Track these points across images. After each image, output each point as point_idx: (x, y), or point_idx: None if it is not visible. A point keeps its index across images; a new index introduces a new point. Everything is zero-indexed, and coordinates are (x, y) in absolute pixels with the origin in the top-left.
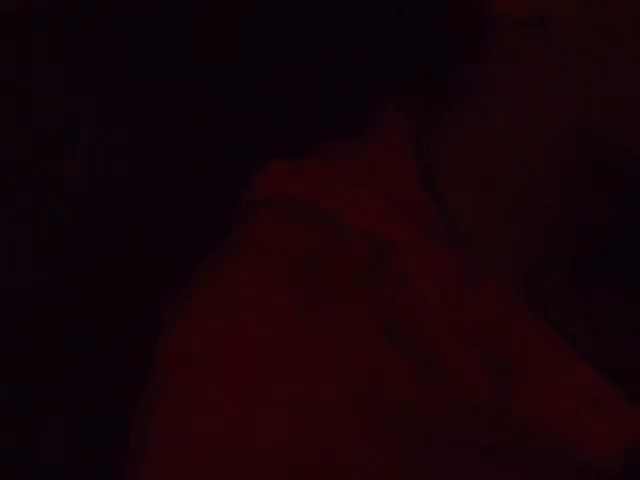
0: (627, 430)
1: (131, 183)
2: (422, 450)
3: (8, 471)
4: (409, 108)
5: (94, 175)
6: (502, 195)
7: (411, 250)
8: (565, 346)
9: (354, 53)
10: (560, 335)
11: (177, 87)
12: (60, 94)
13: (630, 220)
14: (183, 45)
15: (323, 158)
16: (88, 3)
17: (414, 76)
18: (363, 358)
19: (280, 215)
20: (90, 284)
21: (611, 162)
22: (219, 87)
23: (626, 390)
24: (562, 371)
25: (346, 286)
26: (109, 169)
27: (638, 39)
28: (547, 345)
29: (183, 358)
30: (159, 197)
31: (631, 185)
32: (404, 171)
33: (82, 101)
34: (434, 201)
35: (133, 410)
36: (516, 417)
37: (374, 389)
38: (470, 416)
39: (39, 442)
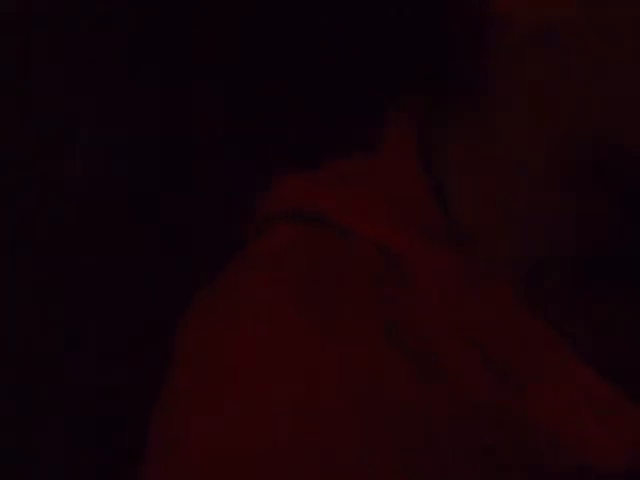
0: (627, 430)
1: (132, 185)
2: (422, 450)
3: (8, 471)
4: (409, 108)
5: (94, 175)
6: (502, 195)
7: (413, 252)
8: (565, 346)
9: (354, 54)
10: (560, 335)
11: (177, 87)
12: (60, 94)
13: (630, 220)
14: (183, 45)
15: (335, 170)
16: (88, 3)
17: (414, 76)
18: (363, 358)
19: (295, 229)
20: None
21: (611, 162)
22: (220, 94)
23: (626, 390)
24: (562, 371)
25: (347, 287)
26: (109, 169)
27: (638, 39)
28: (547, 345)
29: (184, 359)
30: (164, 200)
31: (631, 185)
32: (405, 172)
33: (82, 101)
34: (435, 201)
35: (139, 410)
36: (516, 417)
37: (374, 389)
38: (470, 416)
39: (39, 442)
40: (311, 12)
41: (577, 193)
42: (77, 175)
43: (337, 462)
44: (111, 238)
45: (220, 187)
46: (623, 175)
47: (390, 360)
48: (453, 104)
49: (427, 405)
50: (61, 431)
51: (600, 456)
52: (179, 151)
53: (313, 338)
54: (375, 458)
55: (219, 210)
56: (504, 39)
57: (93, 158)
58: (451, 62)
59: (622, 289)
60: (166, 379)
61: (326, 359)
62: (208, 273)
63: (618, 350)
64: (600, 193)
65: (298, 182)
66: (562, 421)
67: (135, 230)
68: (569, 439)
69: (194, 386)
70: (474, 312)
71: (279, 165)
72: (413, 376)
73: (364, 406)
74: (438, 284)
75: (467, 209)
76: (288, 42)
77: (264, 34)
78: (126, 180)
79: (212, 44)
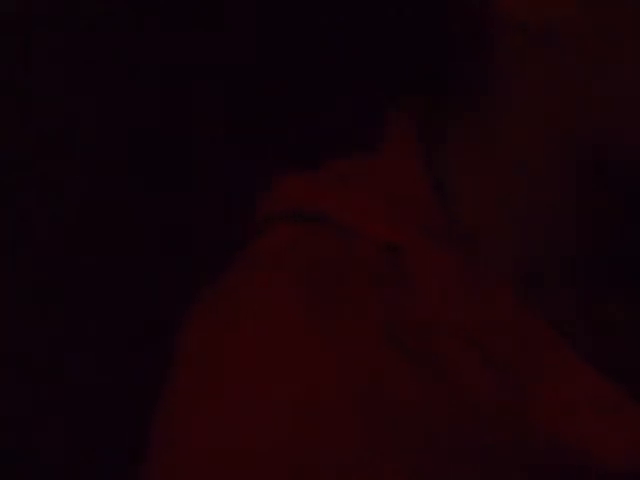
0: (628, 430)
1: (131, 185)
2: (422, 450)
3: (8, 471)
4: (409, 108)
5: (94, 175)
6: (502, 195)
7: (413, 251)
8: (565, 346)
9: (354, 54)
10: (560, 335)
11: (177, 87)
12: (60, 94)
13: (630, 220)
14: (183, 45)
15: (335, 170)
16: (88, 3)
17: (414, 76)
18: (363, 358)
19: (296, 229)
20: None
21: (611, 162)
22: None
23: (626, 390)
24: (562, 371)
25: (348, 287)
26: (109, 169)
27: (638, 39)
28: (547, 345)
29: (185, 359)
30: (164, 200)
31: (631, 185)
32: (406, 171)
33: (82, 101)
34: (435, 200)
35: (139, 410)
36: (516, 417)
37: (374, 389)
38: (470, 416)
39: (39, 442)
40: (311, 12)
41: (577, 193)
42: (77, 175)
43: (337, 462)
44: (111, 238)
45: (220, 187)
46: (623, 175)
47: (390, 360)
48: (453, 104)
49: (427, 405)
50: (61, 431)
51: (601, 456)
52: (179, 151)
53: (313, 338)
54: (375, 458)
55: (219, 210)
56: (504, 40)
57: (92, 158)
58: (451, 62)
59: (622, 289)
60: (167, 379)
61: (326, 359)
62: (208, 273)
63: (618, 350)
64: (600, 193)
65: (298, 182)
66: (563, 421)
67: (135, 230)
68: (570, 439)
69: (195, 386)
70: (474, 312)
71: (279, 165)
72: (413, 376)
73: (364, 406)
74: (438, 284)
75: (467, 209)
76: (288, 42)
77: (265, 34)
78: (126, 180)
79: (212, 44)
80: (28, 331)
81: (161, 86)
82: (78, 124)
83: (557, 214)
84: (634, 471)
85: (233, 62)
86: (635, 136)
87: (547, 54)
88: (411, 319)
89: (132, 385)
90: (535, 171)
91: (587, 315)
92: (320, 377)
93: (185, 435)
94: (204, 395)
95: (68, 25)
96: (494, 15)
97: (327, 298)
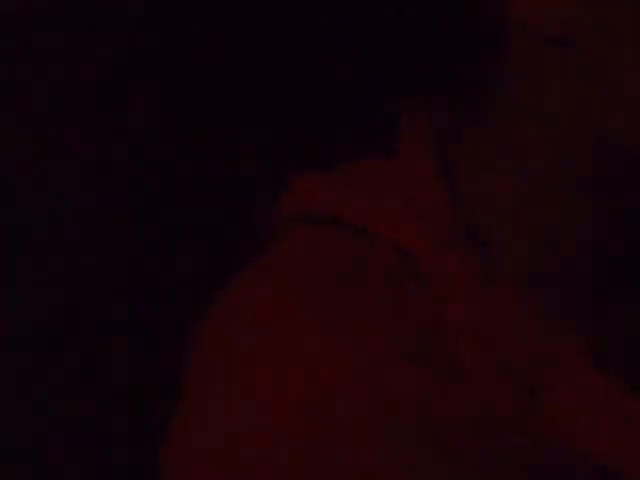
0: (636, 431)
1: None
2: (436, 452)
3: (8, 471)
4: (425, 109)
5: (95, 176)
6: (509, 195)
7: (428, 252)
8: (580, 351)
9: (369, 56)
10: (570, 337)
11: (179, 88)
12: (60, 94)
13: (631, 220)
14: (185, 45)
15: (350, 172)
16: (88, 3)
17: (431, 77)
18: (378, 359)
19: (311, 231)
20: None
21: (611, 162)
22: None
23: (631, 390)
24: (577, 375)
25: (363, 288)
26: (115, 170)
27: (638, 39)
28: (561, 349)
29: (199, 360)
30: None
31: (631, 185)
32: (421, 173)
33: (82, 101)
34: (451, 202)
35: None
36: (527, 419)
37: (388, 390)
38: (484, 418)
39: (40, 442)
40: (323, 15)
41: (577, 193)
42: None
43: (353, 464)
44: (112, 239)
45: (237, 189)
46: (623, 175)
47: (408, 360)
48: (467, 105)
49: (441, 407)
50: (76, 432)
51: (616, 459)
52: (188, 154)
53: (330, 338)
54: (390, 461)
55: (236, 212)
56: (522, 51)
57: (93, 158)
58: (469, 64)
59: (622, 289)
60: (182, 380)
61: (343, 359)
62: (226, 274)
63: (618, 349)
64: (600, 193)
65: (314, 184)
66: (577, 424)
67: (151, 231)
68: (586, 440)
69: (210, 387)
70: (488, 314)
71: (294, 168)
72: (427, 378)
73: (378, 407)
74: (453, 285)
75: (480, 209)
76: (305, 47)
77: (279, 39)
78: (142, 180)
79: (213, 45)
80: (30, 331)
81: (161, 83)
82: (78, 124)
83: (560, 214)
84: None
85: (243, 63)
86: (635, 136)
87: (547, 54)
88: (426, 320)
89: (146, 385)
90: (535, 171)
91: (587, 315)
92: (335, 378)
93: (201, 437)
94: (219, 396)
95: (68, 25)
96: (512, 27)
97: (342, 299)
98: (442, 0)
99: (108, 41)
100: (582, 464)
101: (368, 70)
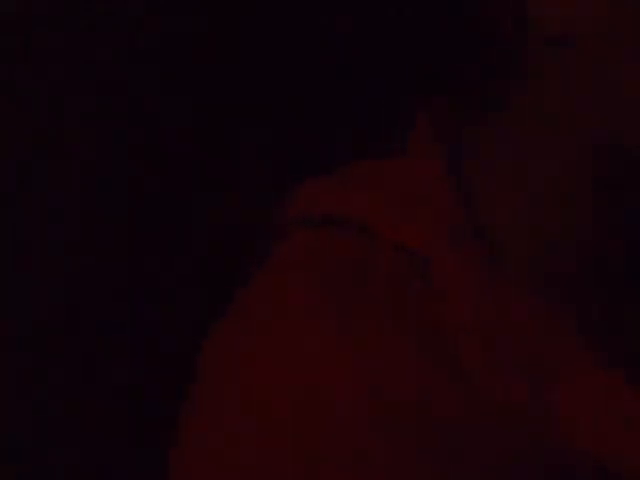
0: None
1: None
2: (436, 452)
3: (8, 471)
4: (435, 109)
5: (96, 176)
6: (516, 195)
7: (435, 252)
8: (583, 349)
9: (382, 56)
10: (577, 336)
11: (178, 88)
12: (60, 94)
13: (633, 220)
14: (185, 45)
15: (355, 173)
16: (88, 3)
17: (434, 77)
18: (382, 358)
19: (317, 232)
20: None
21: (611, 162)
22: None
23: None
24: (580, 374)
25: (369, 288)
26: (115, 170)
27: (638, 39)
28: (565, 348)
29: (208, 363)
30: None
31: (631, 185)
32: (429, 173)
33: (82, 101)
34: (459, 202)
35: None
36: (533, 418)
37: (392, 389)
38: (487, 416)
39: (40, 442)
40: (323, 15)
41: (577, 193)
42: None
43: (353, 464)
44: (112, 241)
45: (241, 192)
46: (624, 175)
47: (409, 360)
48: (472, 104)
49: (442, 407)
50: (76, 432)
51: (616, 459)
52: (188, 154)
53: (328, 338)
54: (390, 461)
55: (237, 212)
56: (537, 57)
57: (93, 158)
58: (485, 78)
59: (622, 289)
60: (192, 380)
61: (341, 358)
62: (226, 275)
63: (619, 349)
64: (600, 193)
65: (318, 186)
66: (579, 422)
67: (151, 231)
68: (586, 440)
69: (209, 388)
70: (494, 314)
71: (295, 168)
72: (428, 377)
73: (378, 407)
74: (460, 285)
75: (487, 208)
76: (306, 47)
77: (279, 39)
78: (126, 180)
79: (221, 45)
80: (33, 332)
81: (161, 85)
82: (78, 124)
83: (560, 214)
84: None
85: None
86: (635, 136)
87: (547, 54)
88: (432, 319)
89: (148, 386)
90: (535, 171)
91: (587, 315)
92: (339, 378)
93: (201, 437)
94: (219, 396)
95: (68, 25)
96: (528, 33)
97: (348, 299)
98: (442, 0)
99: (108, 41)
100: (582, 464)
101: (368, 70)
